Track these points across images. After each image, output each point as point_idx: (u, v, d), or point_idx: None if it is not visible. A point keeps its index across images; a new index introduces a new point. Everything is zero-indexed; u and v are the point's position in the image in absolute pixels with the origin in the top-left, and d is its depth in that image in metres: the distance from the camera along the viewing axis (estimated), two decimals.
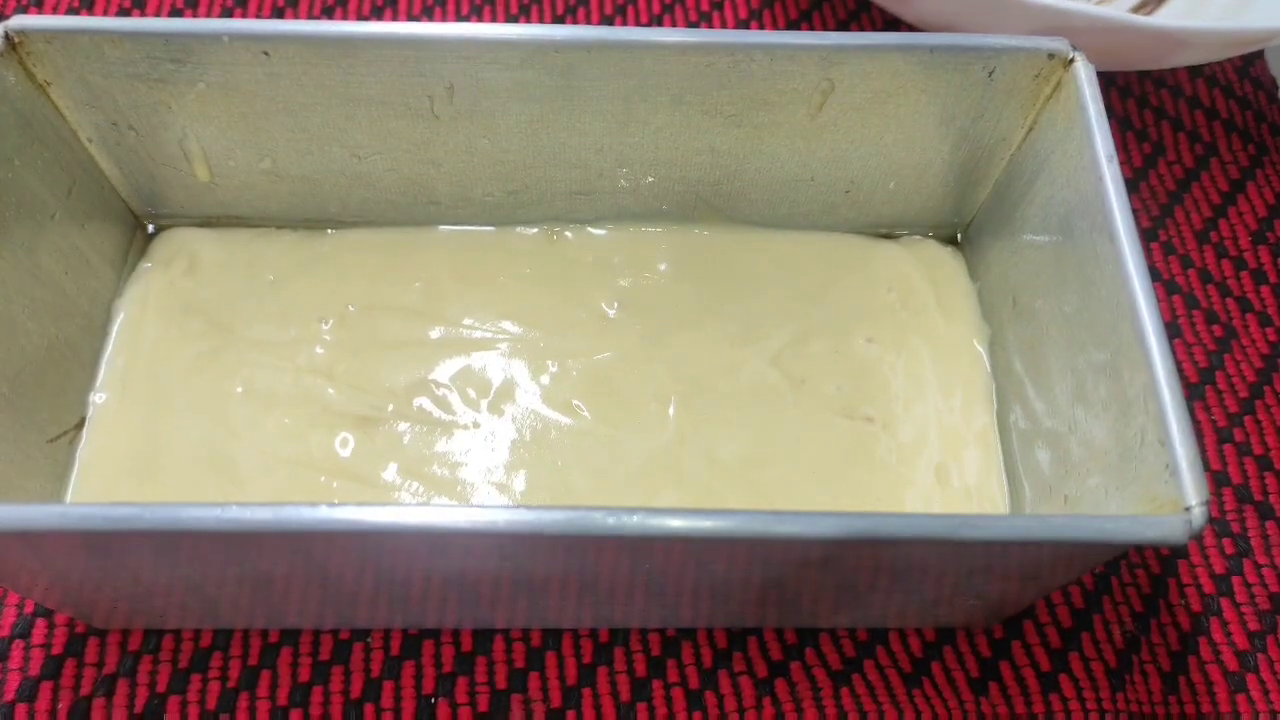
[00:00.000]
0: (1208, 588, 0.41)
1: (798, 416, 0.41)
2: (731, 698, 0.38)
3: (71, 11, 0.54)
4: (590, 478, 0.40)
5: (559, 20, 0.55)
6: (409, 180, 0.44)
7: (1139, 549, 0.41)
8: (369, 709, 0.37)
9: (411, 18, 0.55)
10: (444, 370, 0.42)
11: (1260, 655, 0.39)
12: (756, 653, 0.39)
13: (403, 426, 0.41)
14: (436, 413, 0.41)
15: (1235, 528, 0.42)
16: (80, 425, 0.40)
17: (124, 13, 0.54)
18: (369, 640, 0.38)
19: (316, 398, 0.41)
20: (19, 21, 0.37)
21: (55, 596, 0.36)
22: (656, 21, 0.55)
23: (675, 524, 0.29)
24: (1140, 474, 0.32)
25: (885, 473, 0.40)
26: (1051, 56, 0.38)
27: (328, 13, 0.55)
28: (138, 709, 0.37)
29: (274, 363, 0.42)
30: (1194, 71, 0.55)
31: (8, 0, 0.54)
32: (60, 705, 0.37)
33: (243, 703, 0.37)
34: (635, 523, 0.29)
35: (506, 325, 0.43)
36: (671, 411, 0.42)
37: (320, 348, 0.42)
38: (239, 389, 0.41)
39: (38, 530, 0.28)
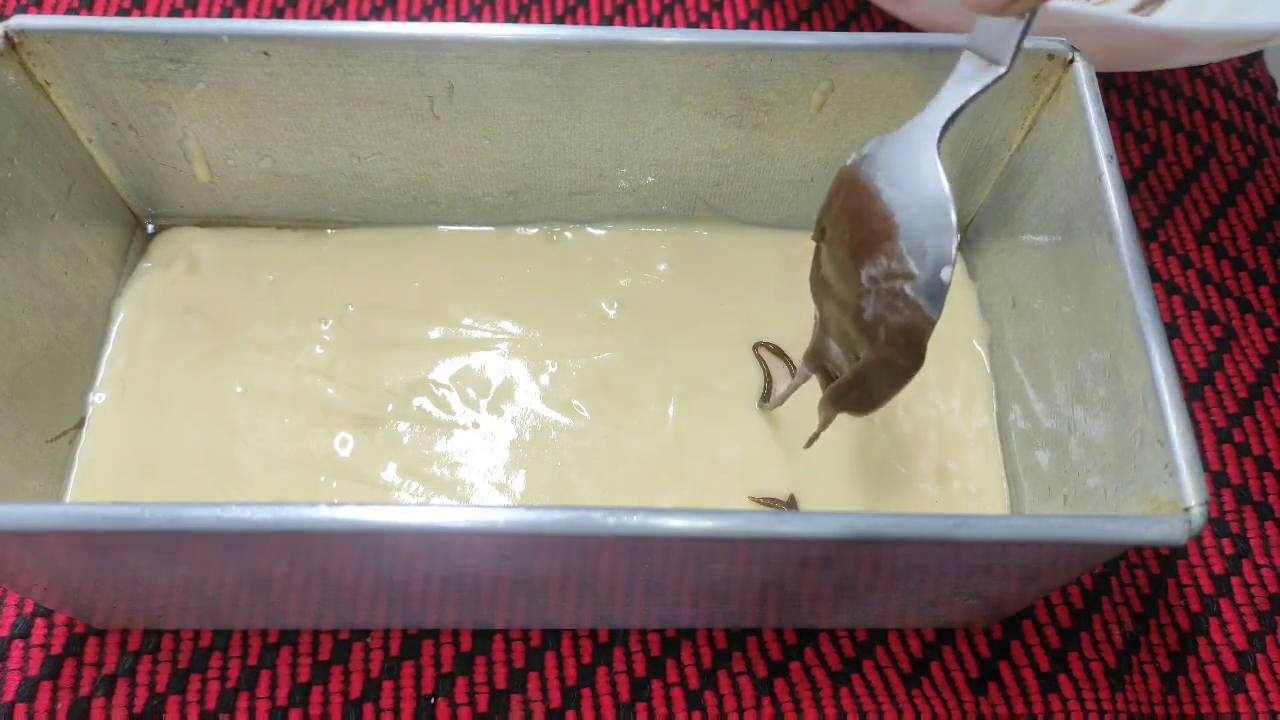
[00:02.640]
0: (1207, 588, 0.41)
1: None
2: (731, 698, 0.38)
3: (71, 11, 0.54)
4: (590, 478, 0.40)
5: (559, 20, 0.55)
6: (409, 180, 0.44)
7: (1138, 549, 0.41)
8: (368, 709, 0.37)
9: (411, 18, 0.55)
10: (444, 370, 0.42)
11: (1259, 656, 0.39)
12: (756, 653, 0.39)
13: (402, 426, 0.41)
14: (436, 413, 0.41)
15: (1235, 528, 0.42)
16: (80, 425, 0.40)
17: (124, 13, 0.54)
18: (369, 640, 0.38)
19: (316, 398, 0.41)
20: (19, 21, 0.37)
21: (55, 596, 0.36)
22: (656, 21, 0.55)
23: (675, 524, 0.29)
24: (1140, 474, 0.32)
25: (885, 473, 0.41)
26: (1051, 57, 0.38)
27: (328, 13, 0.55)
28: (137, 709, 0.37)
29: (274, 362, 0.42)
30: (1193, 72, 0.55)
31: (8, 0, 0.54)
32: (60, 705, 0.37)
33: (242, 703, 0.37)
34: (635, 523, 0.29)
35: (506, 325, 0.43)
36: (671, 411, 0.42)
37: (320, 348, 0.42)
38: (239, 389, 0.41)
39: (38, 530, 0.28)
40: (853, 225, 0.33)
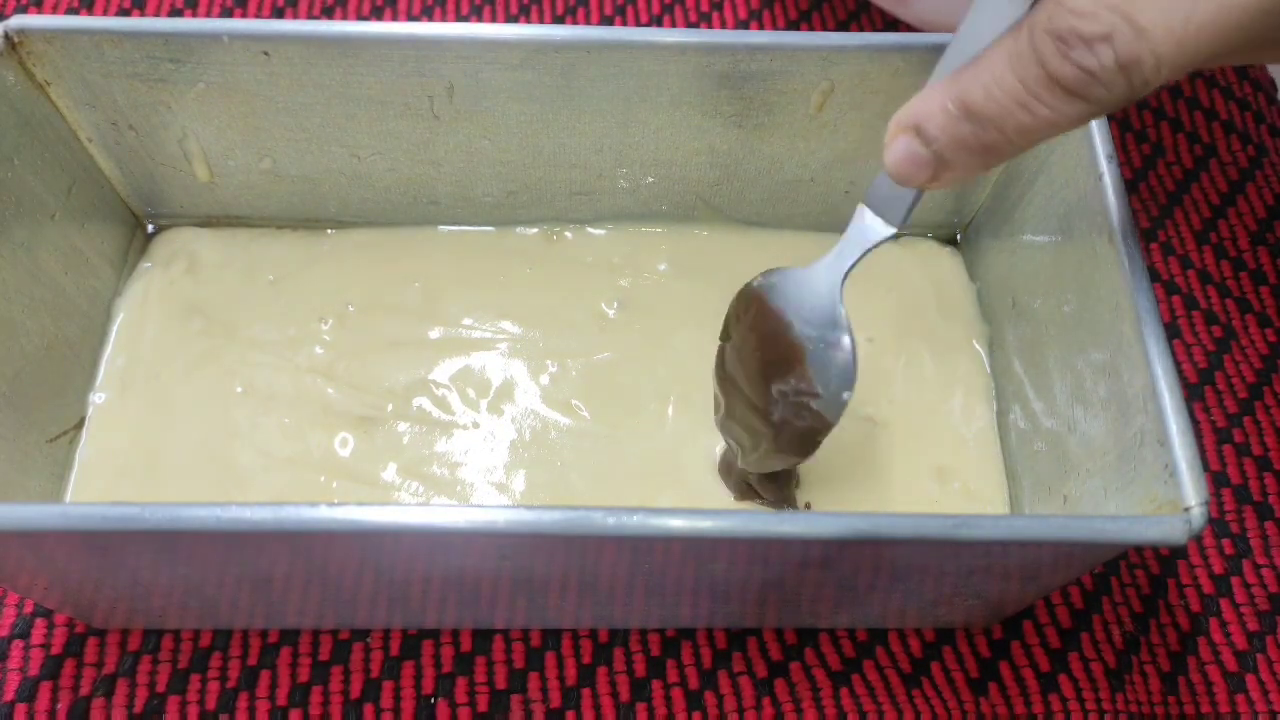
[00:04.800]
0: (1207, 588, 0.41)
1: None
2: (731, 698, 0.38)
3: (71, 11, 0.54)
4: (590, 478, 0.40)
5: (559, 20, 0.55)
6: (409, 180, 0.44)
7: (1138, 549, 0.41)
8: (368, 709, 0.37)
9: (411, 18, 0.55)
10: (444, 370, 0.42)
11: (1259, 655, 0.39)
12: (756, 653, 0.39)
13: (402, 426, 0.41)
14: (436, 413, 0.41)
15: (1234, 528, 0.42)
16: (80, 425, 0.40)
17: (124, 13, 0.54)
18: (369, 640, 0.38)
19: (316, 398, 0.41)
20: (19, 21, 0.37)
21: (55, 596, 0.36)
22: (656, 21, 0.55)
23: (675, 524, 0.29)
24: (1140, 474, 0.32)
25: (885, 473, 0.41)
26: None
27: (328, 13, 0.55)
28: (137, 709, 0.37)
29: (274, 363, 0.42)
30: (1193, 72, 0.54)
31: (7, 0, 0.54)
32: (60, 705, 0.37)
33: (242, 703, 0.37)
34: (635, 523, 0.29)
35: (506, 325, 0.43)
36: (671, 411, 0.42)
37: (320, 348, 0.42)
38: (239, 389, 0.41)
39: (38, 530, 0.28)
40: (763, 345, 0.36)
